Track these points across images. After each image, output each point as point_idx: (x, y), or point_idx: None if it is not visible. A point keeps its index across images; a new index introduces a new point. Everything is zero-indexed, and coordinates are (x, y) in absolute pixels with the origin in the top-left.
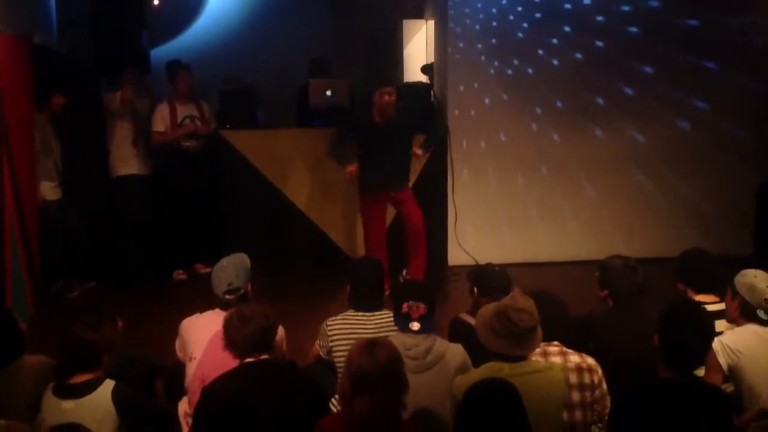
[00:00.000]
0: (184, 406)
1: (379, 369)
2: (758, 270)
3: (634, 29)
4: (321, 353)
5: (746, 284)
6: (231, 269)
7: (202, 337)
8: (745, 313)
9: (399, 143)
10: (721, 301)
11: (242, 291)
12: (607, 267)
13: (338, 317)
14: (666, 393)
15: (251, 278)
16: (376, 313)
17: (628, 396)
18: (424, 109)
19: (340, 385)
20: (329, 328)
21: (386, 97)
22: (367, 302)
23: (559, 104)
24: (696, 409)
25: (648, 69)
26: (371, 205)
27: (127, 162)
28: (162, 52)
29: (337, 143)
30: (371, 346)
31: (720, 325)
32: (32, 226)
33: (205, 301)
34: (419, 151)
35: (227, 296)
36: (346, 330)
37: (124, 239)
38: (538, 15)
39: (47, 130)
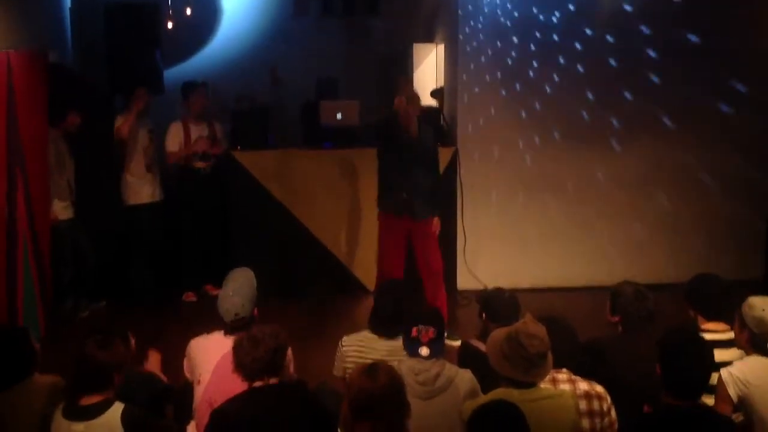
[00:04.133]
0: (192, 430)
1: (379, 394)
2: (766, 300)
3: (648, 48)
4: (336, 373)
5: (755, 318)
6: (237, 300)
7: (209, 360)
8: (755, 345)
9: (425, 161)
10: (731, 330)
11: (248, 318)
12: (618, 293)
13: (353, 336)
14: (674, 421)
15: (257, 301)
16: (393, 338)
17: (636, 423)
18: (434, 132)
19: (342, 410)
20: (344, 346)
21: (406, 109)
22: (383, 327)
23: (571, 128)
24: None
25: (666, 91)
26: (387, 231)
27: (141, 190)
28: (175, 73)
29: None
30: (371, 370)
31: (732, 353)
32: (45, 244)
33: (214, 323)
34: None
35: (234, 325)
36: (361, 351)
37: (133, 261)
38: (549, 36)
39: (61, 148)
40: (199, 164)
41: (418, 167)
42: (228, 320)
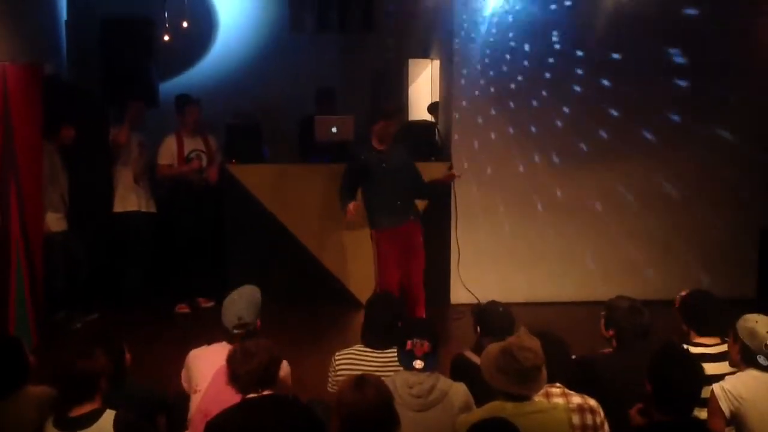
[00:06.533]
0: None
1: (368, 408)
2: (760, 315)
3: (641, 68)
4: (329, 389)
5: (747, 329)
6: (242, 304)
7: (207, 370)
8: (746, 358)
9: (404, 170)
10: (722, 343)
11: (251, 326)
12: (613, 308)
13: (345, 351)
14: None
15: (259, 313)
16: (385, 350)
17: None
18: (428, 147)
19: (332, 425)
20: (337, 361)
21: (390, 129)
22: (377, 339)
23: (565, 143)
24: None
25: (659, 109)
26: (385, 248)
27: (128, 198)
28: (170, 86)
29: (348, 186)
30: (359, 384)
31: (721, 367)
32: (38, 256)
33: (207, 334)
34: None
35: (236, 331)
36: (353, 364)
37: (125, 273)
38: (543, 54)
39: (55, 160)
40: (192, 176)
41: (398, 174)
42: (231, 326)
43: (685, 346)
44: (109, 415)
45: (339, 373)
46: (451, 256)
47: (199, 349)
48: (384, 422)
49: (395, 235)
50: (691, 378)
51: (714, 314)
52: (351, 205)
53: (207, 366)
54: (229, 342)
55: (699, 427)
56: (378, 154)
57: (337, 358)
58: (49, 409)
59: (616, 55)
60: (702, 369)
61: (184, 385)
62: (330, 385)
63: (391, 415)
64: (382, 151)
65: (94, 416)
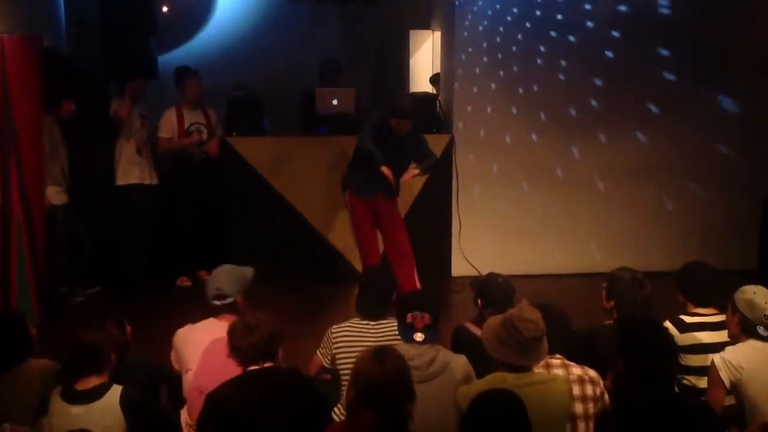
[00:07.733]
0: (185, 416)
1: (389, 380)
2: (758, 286)
3: (643, 40)
4: (324, 362)
5: (746, 300)
6: (222, 276)
7: (195, 349)
8: (746, 329)
9: (401, 161)
10: (720, 313)
11: (231, 299)
12: (615, 279)
13: (343, 324)
14: (647, 413)
15: (244, 289)
16: (381, 321)
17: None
18: (429, 119)
19: (347, 395)
20: (334, 334)
21: (406, 125)
22: (371, 308)
23: (565, 116)
24: (683, 426)
25: (657, 81)
26: (360, 211)
27: (130, 171)
28: (170, 59)
29: (369, 137)
30: (380, 356)
31: (721, 335)
32: (39, 230)
33: (205, 309)
34: (415, 172)
35: (216, 302)
36: (351, 338)
37: (127, 246)
38: (545, 26)
39: (55, 134)
40: (193, 149)
41: (398, 160)
42: (211, 296)
43: (683, 317)
44: (115, 391)
45: (337, 346)
46: (452, 228)
47: (184, 328)
48: (400, 394)
49: (368, 203)
50: (663, 350)
51: (710, 284)
52: (386, 170)
53: (195, 345)
54: (214, 316)
55: (680, 400)
56: (390, 138)
57: (333, 331)
58: (55, 381)
59: (616, 30)
60: (672, 339)
61: (175, 365)
62: (324, 356)
63: (408, 388)
64: (393, 137)
65: (100, 391)
